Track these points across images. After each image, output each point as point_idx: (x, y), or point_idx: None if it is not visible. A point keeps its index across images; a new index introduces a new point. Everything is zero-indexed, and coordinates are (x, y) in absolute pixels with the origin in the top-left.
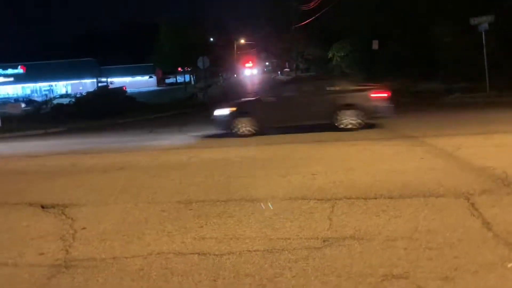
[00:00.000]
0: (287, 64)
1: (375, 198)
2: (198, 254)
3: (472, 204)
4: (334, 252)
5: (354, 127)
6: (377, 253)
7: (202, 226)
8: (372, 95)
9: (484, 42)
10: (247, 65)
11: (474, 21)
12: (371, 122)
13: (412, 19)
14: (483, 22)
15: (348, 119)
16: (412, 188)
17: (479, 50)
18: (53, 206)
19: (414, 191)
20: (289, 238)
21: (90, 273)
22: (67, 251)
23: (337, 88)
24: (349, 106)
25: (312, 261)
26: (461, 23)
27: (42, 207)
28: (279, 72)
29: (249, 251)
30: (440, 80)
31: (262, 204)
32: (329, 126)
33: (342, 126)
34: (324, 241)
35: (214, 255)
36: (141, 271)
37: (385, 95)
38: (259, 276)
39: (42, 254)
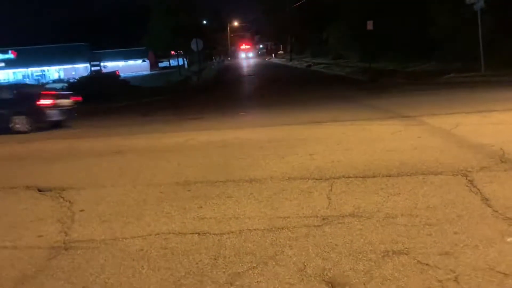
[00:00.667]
0: (281, 46)
1: (374, 177)
2: (198, 234)
3: (471, 181)
4: (334, 229)
5: (26, 130)
6: (377, 230)
7: (201, 207)
8: (40, 102)
9: (479, 21)
10: (242, 47)
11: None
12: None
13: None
14: (478, 0)
15: (20, 124)
16: (410, 166)
17: (475, 29)
18: (50, 190)
19: (412, 169)
20: (288, 217)
21: (90, 254)
22: (66, 233)
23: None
24: (19, 113)
25: (312, 239)
26: (456, 1)
27: (39, 190)
28: (273, 55)
29: (249, 230)
30: (435, 60)
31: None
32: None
33: (15, 130)
34: (323, 219)
35: (214, 234)
36: (141, 251)
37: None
38: (260, 254)
39: (41, 236)
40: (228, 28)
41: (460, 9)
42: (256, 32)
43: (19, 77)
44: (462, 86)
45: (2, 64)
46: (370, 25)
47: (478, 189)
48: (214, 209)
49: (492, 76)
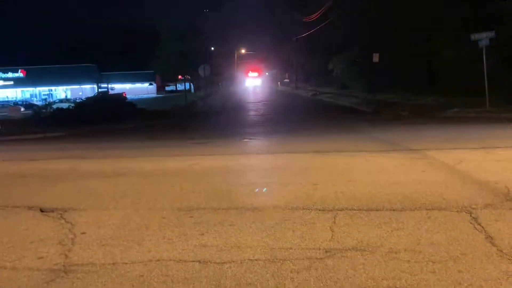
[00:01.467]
0: (287, 75)
1: (377, 210)
2: (199, 262)
3: (475, 218)
4: (336, 263)
5: None
6: (380, 265)
7: (203, 234)
8: None
9: (484, 57)
10: (249, 74)
11: (474, 36)
12: None
13: (412, 33)
14: (483, 38)
15: None
16: (414, 201)
17: (479, 65)
18: (52, 210)
19: (417, 204)
20: (291, 248)
21: (90, 278)
22: (66, 255)
23: None
24: None
25: (314, 272)
26: (461, 37)
27: (41, 210)
28: (278, 82)
29: (251, 260)
30: (440, 94)
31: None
32: None
33: None
34: (326, 251)
35: (215, 263)
36: (141, 277)
37: None
38: (261, 286)
39: (41, 258)
40: (236, 55)
41: (465, 45)
42: (262, 60)
43: (27, 95)
44: (466, 121)
45: (11, 83)
46: (376, 58)
47: (483, 227)
48: (216, 237)
49: (496, 113)
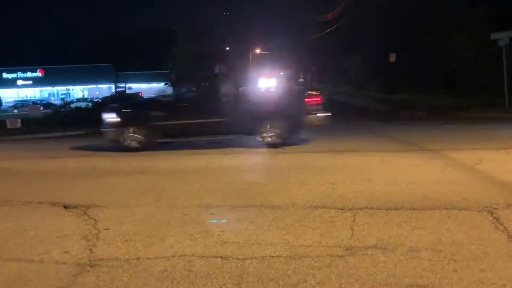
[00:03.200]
0: (301, 74)
1: (397, 209)
2: (221, 257)
3: (497, 218)
4: (357, 260)
5: None
6: (401, 263)
7: (223, 231)
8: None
9: (504, 57)
10: (264, 74)
11: (494, 36)
12: None
13: (429, 32)
14: (503, 37)
15: None
16: (434, 200)
17: (498, 65)
18: (75, 207)
19: (436, 203)
20: (311, 246)
21: (115, 273)
22: (91, 250)
23: None
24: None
25: (335, 269)
26: (480, 36)
27: (65, 207)
28: (294, 83)
29: (272, 256)
30: (458, 93)
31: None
32: None
33: None
34: (346, 249)
35: (237, 259)
36: (165, 272)
37: None
38: (283, 281)
39: (67, 252)
40: (250, 55)
41: (483, 44)
42: (277, 60)
43: (45, 95)
44: (484, 121)
45: (30, 82)
46: (392, 58)
47: (505, 227)
48: (236, 234)
49: None
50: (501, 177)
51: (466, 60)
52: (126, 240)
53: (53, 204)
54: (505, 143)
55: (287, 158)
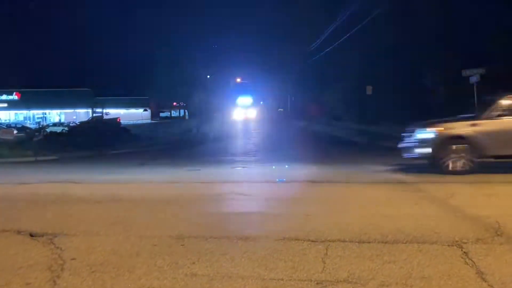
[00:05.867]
0: (280, 104)
1: (369, 242)
2: None
3: (466, 253)
4: None
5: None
6: None
7: (194, 263)
8: None
9: (475, 93)
10: (243, 102)
11: (465, 72)
12: None
13: (404, 66)
14: (474, 74)
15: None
16: (406, 234)
17: (471, 101)
18: (42, 235)
19: (408, 237)
20: (282, 279)
21: None
22: (54, 282)
23: None
24: None
25: None
26: (453, 72)
27: (31, 235)
28: (272, 112)
29: None
30: None
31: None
32: None
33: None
34: (317, 283)
35: None
36: None
37: None
38: None
39: (28, 284)
40: (230, 83)
41: (457, 80)
42: (257, 89)
43: (21, 118)
44: None
45: (5, 105)
46: (369, 90)
47: (474, 262)
48: (207, 266)
49: None
50: (471, 212)
51: (440, 95)
52: (93, 271)
53: (19, 232)
54: (476, 177)
55: (262, 188)
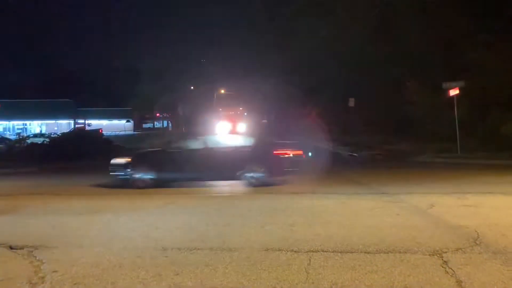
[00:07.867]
0: (264, 116)
1: (352, 252)
2: None
3: (446, 262)
4: None
5: None
6: None
7: (177, 274)
8: None
9: (455, 105)
10: (228, 115)
11: (445, 85)
12: None
13: (386, 78)
14: (454, 86)
15: None
16: (388, 244)
17: (451, 112)
18: (22, 247)
19: (390, 247)
20: None
21: None
22: None
23: None
24: None
25: None
26: (433, 84)
27: (11, 247)
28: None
29: None
30: (414, 139)
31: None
32: None
33: None
34: None
35: None
36: None
37: None
38: None
39: None
40: (215, 95)
41: (437, 92)
42: (242, 101)
43: (0, 129)
44: (437, 166)
45: None
46: (351, 102)
47: (453, 271)
48: (191, 277)
49: (467, 158)
50: (451, 222)
51: (421, 107)
52: (75, 284)
53: None
54: (456, 188)
55: (247, 199)
